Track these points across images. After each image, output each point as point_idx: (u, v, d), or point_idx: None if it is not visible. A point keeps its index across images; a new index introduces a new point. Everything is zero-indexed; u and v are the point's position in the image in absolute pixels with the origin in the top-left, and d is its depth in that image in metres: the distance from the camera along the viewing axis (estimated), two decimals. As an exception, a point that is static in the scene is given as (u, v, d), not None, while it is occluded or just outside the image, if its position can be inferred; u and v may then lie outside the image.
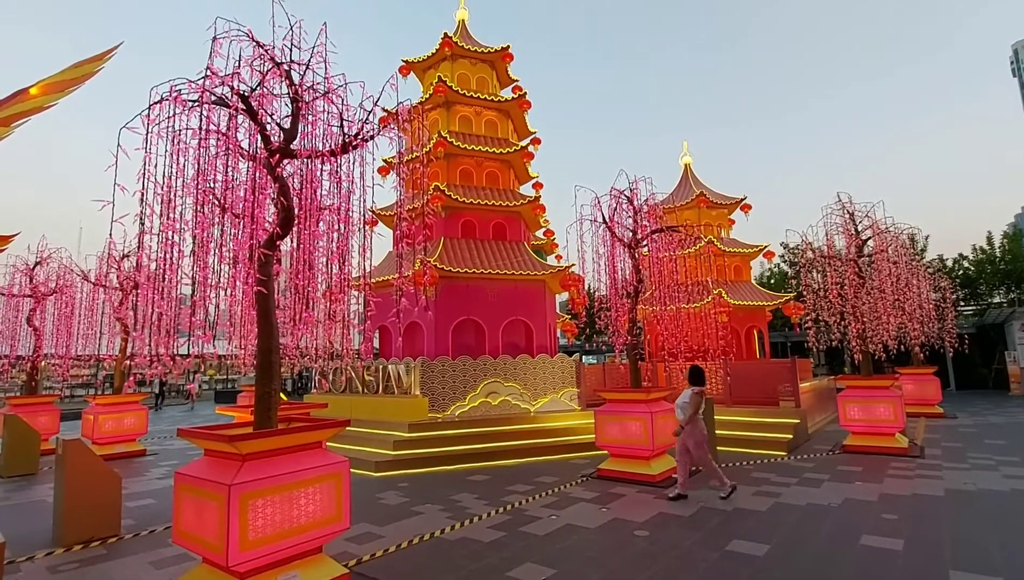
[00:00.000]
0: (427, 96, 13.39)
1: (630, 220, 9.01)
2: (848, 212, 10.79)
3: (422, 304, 10.31)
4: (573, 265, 11.87)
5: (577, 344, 32.98)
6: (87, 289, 12.34)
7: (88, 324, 12.34)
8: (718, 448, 9.28)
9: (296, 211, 4.61)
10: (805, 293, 11.00)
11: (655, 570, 4.59)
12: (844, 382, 10.55)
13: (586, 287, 11.67)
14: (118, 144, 3.99)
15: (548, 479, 8.11)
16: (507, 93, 14.54)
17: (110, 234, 3.97)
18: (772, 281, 32.45)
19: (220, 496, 3.82)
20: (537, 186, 14.17)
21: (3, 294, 11.84)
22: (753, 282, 18.58)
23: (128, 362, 11.44)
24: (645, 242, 9.08)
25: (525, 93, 14.00)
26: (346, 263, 4.96)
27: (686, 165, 19.49)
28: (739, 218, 18.73)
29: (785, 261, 32.45)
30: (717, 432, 9.36)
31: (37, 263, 12.02)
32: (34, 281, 11.94)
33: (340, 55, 4.80)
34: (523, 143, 13.82)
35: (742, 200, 18.22)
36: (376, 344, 14.08)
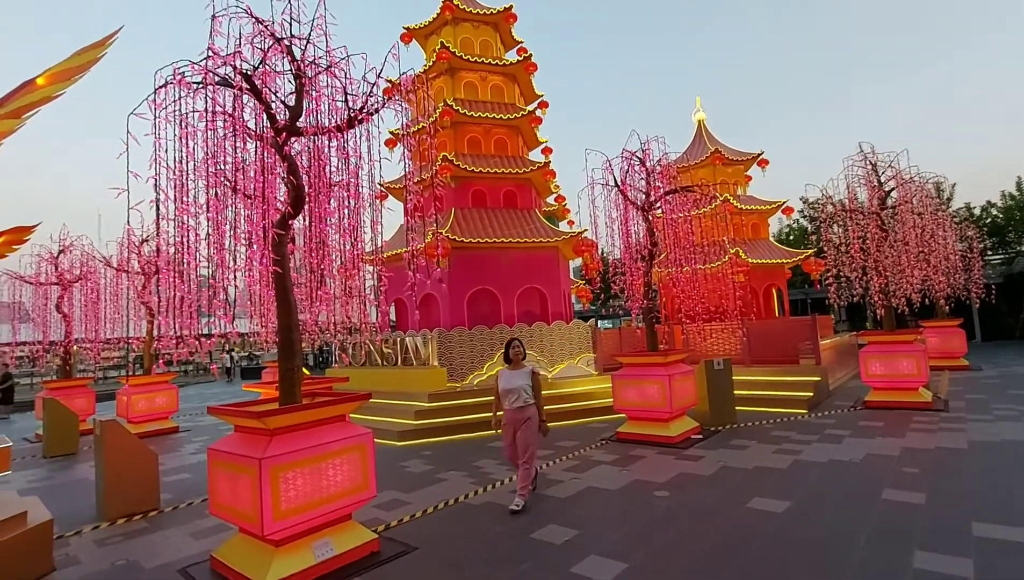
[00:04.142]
0: (430, 63, 13.10)
1: (642, 182, 8.84)
2: (870, 163, 10.44)
3: (436, 276, 10.35)
4: (586, 230, 11.77)
5: (593, 309, 32.99)
6: (110, 274, 12.64)
7: (114, 308, 12.69)
8: (737, 408, 9.32)
9: (306, 189, 4.60)
10: (825, 249, 10.78)
11: (677, 529, 4.69)
12: (866, 338, 10.42)
13: (600, 252, 11.57)
14: (127, 130, 3.99)
15: (568, 443, 8.25)
16: (512, 56, 14.15)
17: (127, 221, 4.02)
18: (791, 238, 31.83)
19: (252, 469, 3.96)
20: (546, 151, 13.93)
21: (31, 283, 12.17)
22: (771, 239, 18.23)
23: (156, 344, 11.81)
24: (659, 204, 8.93)
25: (530, 55, 13.62)
26: (358, 238, 4.97)
27: (699, 122, 18.93)
28: (756, 174, 18.28)
29: (805, 216, 31.74)
30: (736, 392, 9.38)
31: (61, 251, 12.30)
32: (59, 269, 12.24)
33: (340, 26, 4.67)
34: (530, 107, 13.52)
35: (759, 155, 17.71)
36: (393, 317, 14.23)
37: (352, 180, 4.86)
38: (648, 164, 8.79)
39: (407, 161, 5.70)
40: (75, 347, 12.94)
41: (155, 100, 4.08)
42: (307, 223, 4.78)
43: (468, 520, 5.23)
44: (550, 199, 15.22)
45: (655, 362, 8.23)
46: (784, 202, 17.55)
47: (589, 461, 7.16)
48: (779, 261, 16.38)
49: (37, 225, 8.11)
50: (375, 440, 4.83)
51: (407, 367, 11.23)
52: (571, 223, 14.98)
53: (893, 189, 10.33)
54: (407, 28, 13.98)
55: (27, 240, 7.70)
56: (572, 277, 15.01)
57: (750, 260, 15.35)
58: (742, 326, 12.13)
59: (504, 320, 11.82)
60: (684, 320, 9.38)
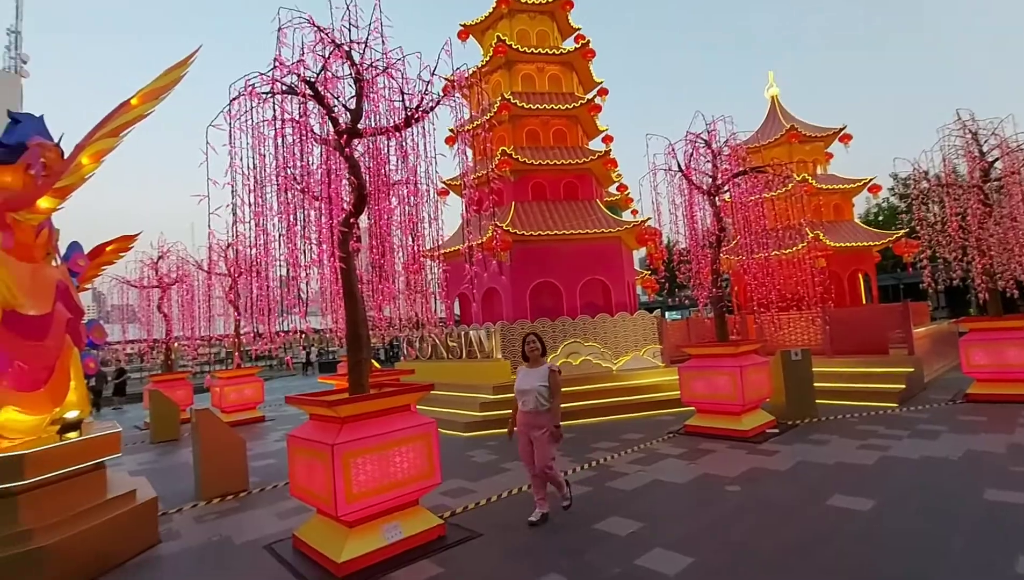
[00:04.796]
0: (487, 58, 13.19)
1: (708, 165, 8.48)
2: (970, 132, 9.42)
3: (494, 270, 10.44)
4: (649, 219, 11.46)
5: (659, 300, 32.11)
6: (202, 277, 13.81)
7: (207, 308, 13.87)
8: (818, 401, 8.75)
9: (368, 188, 4.78)
10: (919, 228, 9.86)
11: (748, 524, 4.49)
12: (968, 325, 9.46)
13: (664, 240, 11.23)
14: (207, 141, 4.32)
15: (633, 436, 8.10)
16: (569, 44, 13.97)
17: (208, 225, 4.36)
18: (880, 218, 29.47)
19: (325, 455, 4.20)
20: (607, 140, 13.66)
21: (136, 286, 13.54)
22: (856, 220, 16.93)
23: (240, 339, 12.78)
24: (726, 187, 8.52)
25: (588, 41, 13.38)
26: (419, 235, 5.12)
27: (773, 97, 17.84)
28: (839, 151, 17.00)
29: (895, 194, 29.23)
30: (816, 385, 8.81)
31: (160, 257, 13.58)
32: (159, 273, 13.53)
33: (395, 27, 4.81)
34: (589, 96, 13.31)
35: (840, 130, 16.46)
36: (457, 311, 14.53)
37: (412, 178, 5.01)
38: (714, 145, 8.42)
39: (465, 157, 5.79)
40: (175, 344, 14.25)
41: (230, 111, 4.38)
42: (371, 222, 4.98)
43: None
44: (612, 188, 14.92)
45: (725, 353, 7.89)
46: (871, 180, 16.23)
47: (655, 454, 7.00)
48: (865, 244, 15.19)
49: (139, 234, 8.94)
50: (442, 431, 4.97)
51: (471, 360, 11.45)
52: (635, 213, 14.63)
53: (997, 159, 9.26)
54: (463, 25, 14.15)
55: (131, 248, 8.52)
56: (637, 267, 14.66)
57: (831, 243, 14.35)
58: (823, 314, 11.37)
59: (567, 312, 11.76)
60: (757, 309, 8.91)
